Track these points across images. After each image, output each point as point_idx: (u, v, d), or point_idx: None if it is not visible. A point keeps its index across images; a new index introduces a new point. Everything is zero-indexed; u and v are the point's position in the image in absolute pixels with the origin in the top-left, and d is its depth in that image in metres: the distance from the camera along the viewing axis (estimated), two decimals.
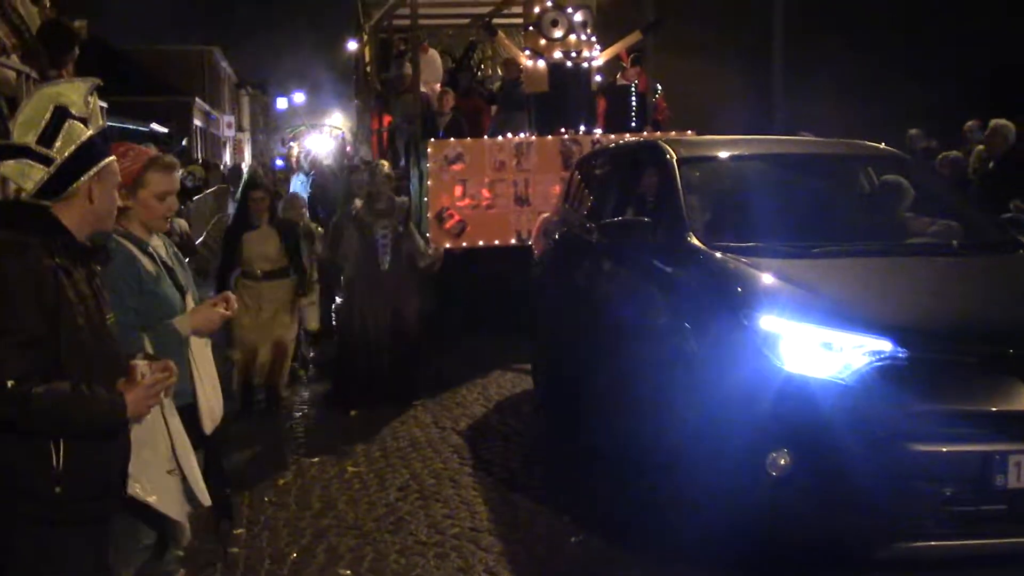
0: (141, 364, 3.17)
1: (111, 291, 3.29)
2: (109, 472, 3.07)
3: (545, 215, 8.93)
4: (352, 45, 36.21)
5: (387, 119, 14.65)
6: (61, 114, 2.94)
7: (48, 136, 2.93)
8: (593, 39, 11.70)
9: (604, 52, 11.93)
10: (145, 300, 3.77)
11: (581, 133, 11.35)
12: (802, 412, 4.39)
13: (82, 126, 2.97)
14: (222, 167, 42.43)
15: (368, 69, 16.02)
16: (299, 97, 58.42)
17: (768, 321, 4.58)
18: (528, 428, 7.73)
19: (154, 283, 3.81)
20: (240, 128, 65.07)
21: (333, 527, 5.74)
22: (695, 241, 5.48)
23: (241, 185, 8.66)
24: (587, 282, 6.82)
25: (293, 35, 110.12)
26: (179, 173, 3.99)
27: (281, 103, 63.71)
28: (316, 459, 7.03)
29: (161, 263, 3.88)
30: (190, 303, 3.97)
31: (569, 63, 11.47)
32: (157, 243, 3.94)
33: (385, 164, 9.03)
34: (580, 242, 7.19)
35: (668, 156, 6.21)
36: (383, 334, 8.32)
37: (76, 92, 2.99)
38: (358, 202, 8.83)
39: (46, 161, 2.92)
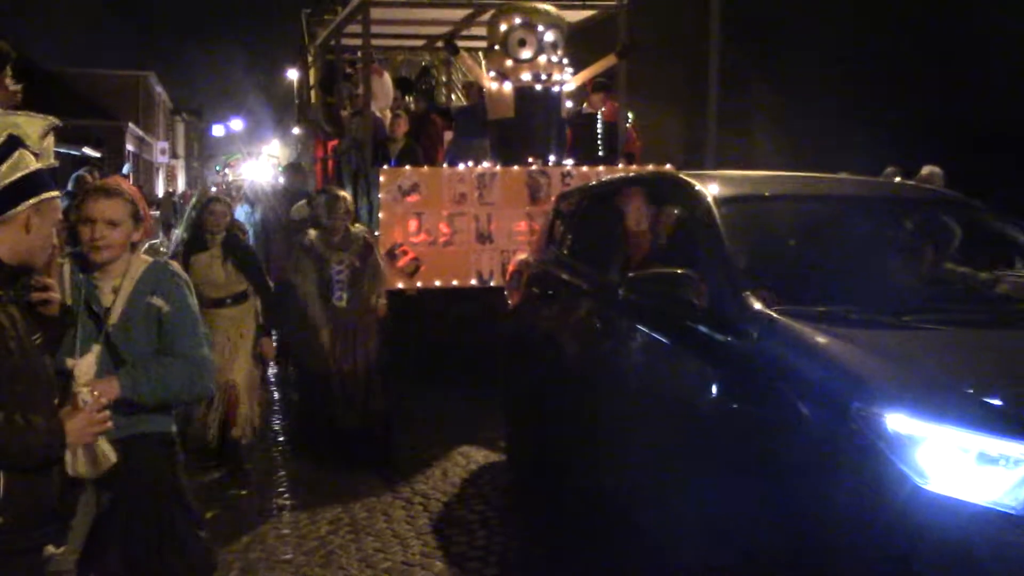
0: (83, 391, 3.03)
1: None
2: (53, 499, 2.89)
3: (521, 256, 7.53)
4: (292, 73, 34.79)
5: (331, 145, 13.20)
6: (14, 142, 2.87)
7: None
8: (564, 61, 10.35)
9: (576, 76, 10.59)
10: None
11: (551, 164, 10.00)
12: (952, 550, 3.07)
13: (32, 158, 2.89)
14: (174, 197, 40.61)
15: (312, 93, 14.54)
16: (236, 124, 56.54)
17: (898, 421, 3.23)
18: (464, 463, 7.25)
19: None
20: (175, 155, 62.89)
21: (262, 561, 5.51)
22: (756, 303, 4.12)
23: (197, 201, 7.90)
24: (596, 346, 5.40)
25: (231, 62, 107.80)
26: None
27: (217, 130, 61.66)
28: (244, 492, 6.72)
29: (87, 308, 3.59)
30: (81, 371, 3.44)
31: (538, 86, 10.11)
32: (106, 287, 3.65)
33: (347, 196, 7.80)
34: (579, 294, 5.80)
35: (702, 193, 4.86)
36: (345, 379, 7.41)
37: (33, 127, 2.93)
38: (312, 232, 7.67)
39: None
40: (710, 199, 4.79)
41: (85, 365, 3.42)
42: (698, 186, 4.94)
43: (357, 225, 7.95)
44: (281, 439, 8.11)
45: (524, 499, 6.45)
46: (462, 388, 8.93)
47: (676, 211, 5.08)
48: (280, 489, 6.83)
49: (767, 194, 5.16)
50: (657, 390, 4.62)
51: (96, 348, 3.49)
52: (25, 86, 7.73)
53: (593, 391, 5.39)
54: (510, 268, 7.63)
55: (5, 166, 2.84)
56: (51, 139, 2.99)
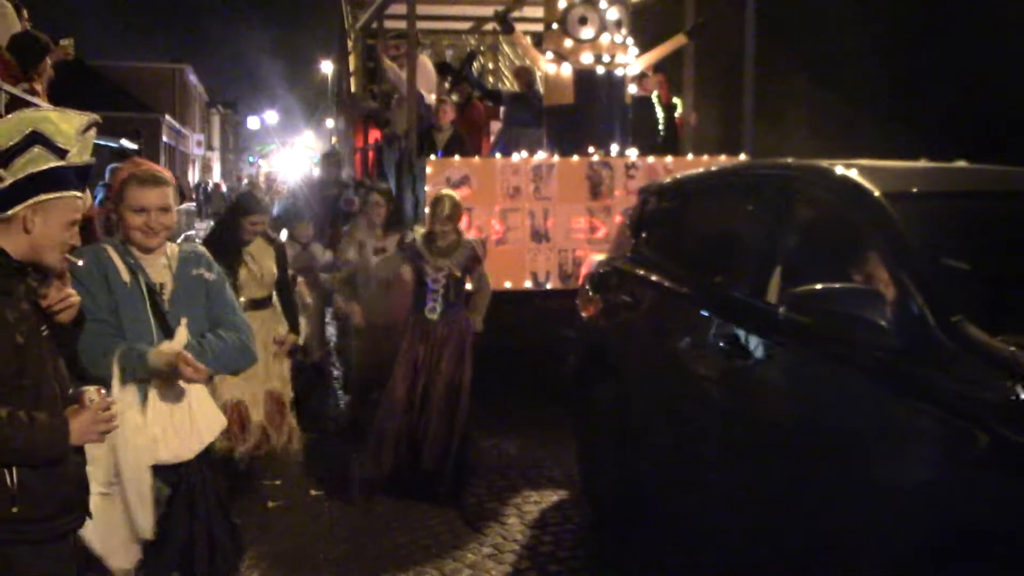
0: (91, 390, 2.86)
1: (84, 291, 3.11)
2: (68, 489, 2.82)
3: (597, 257, 6.35)
4: (326, 65, 33.88)
5: (373, 135, 12.08)
6: (33, 139, 2.76)
7: (8, 157, 2.75)
8: (629, 41, 9.16)
9: (641, 57, 9.39)
10: (111, 304, 3.42)
11: (614, 155, 8.83)
12: None
13: (49, 156, 2.77)
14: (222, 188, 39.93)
15: (352, 80, 13.42)
16: (271, 116, 55.74)
17: None
18: (497, 461, 6.89)
19: (123, 292, 3.43)
20: (210, 147, 62.08)
21: (293, 549, 5.36)
22: (975, 333, 2.95)
23: (231, 206, 7.01)
24: (730, 370, 4.15)
25: (266, 55, 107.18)
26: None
27: (252, 122, 60.94)
28: (278, 481, 6.49)
29: (146, 286, 3.47)
30: (178, 343, 3.43)
31: (600, 69, 8.92)
32: (156, 266, 3.55)
33: (453, 194, 6.58)
34: (695, 308, 4.58)
35: (865, 189, 3.68)
36: (426, 400, 6.33)
37: (68, 123, 2.82)
38: (419, 231, 6.78)
39: None
40: (877, 196, 3.61)
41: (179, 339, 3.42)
42: (859, 182, 3.75)
43: (471, 233, 6.86)
44: (316, 432, 7.60)
45: (562, 512, 5.95)
46: (512, 397, 8.10)
47: (836, 211, 3.88)
48: (314, 480, 6.57)
49: (945, 189, 3.95)
50: (826, 431, 3.44)
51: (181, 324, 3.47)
52: (64, 78, 7.31)
53: (720, 424, 4.18)
54: (583, 271, 6.44)
55: (12, 167, 2.74)
56: (92, 134, 2.87)
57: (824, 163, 4.06)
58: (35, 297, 2.84)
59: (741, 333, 4.01)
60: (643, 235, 5.55)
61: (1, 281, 2.74)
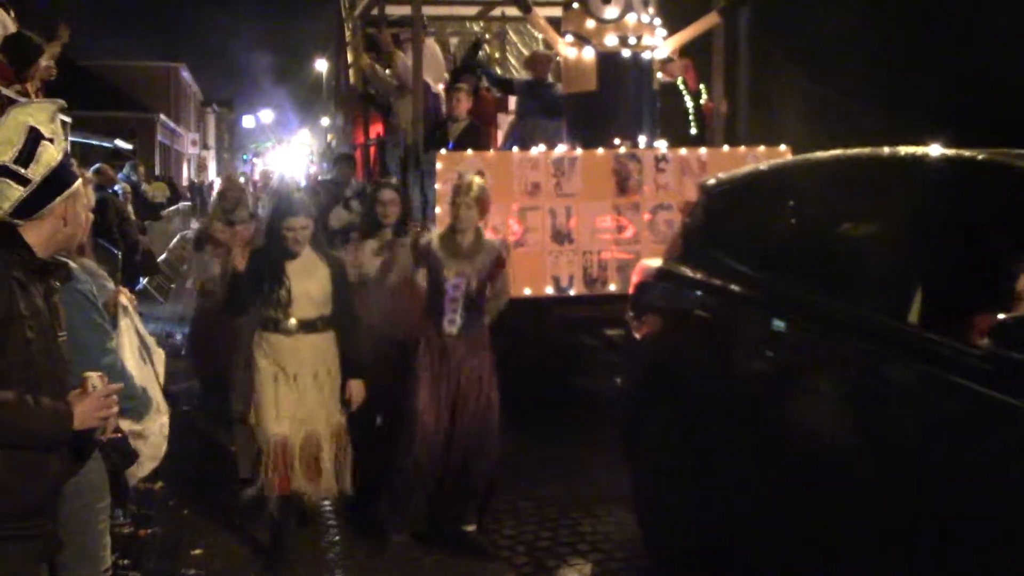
0: (93, 376, 2.85)
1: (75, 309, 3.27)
2: (44, 491, 2.78)
3: (651, 263, 5.33)
4: (321, 63, 32.94)
5: (374, 129, 11.11)
6: (36, 136, 2.77)
7: (24, 157, 2.77)
8: (656, 22, 8.19)
9: (670, 39, 8.41)
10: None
11: (642, 147, 7.85)
12: None
13: (53, 148, 2.80)
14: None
15: (351, 72, 12.44)
16: (266, 115, 54.82)
17: None
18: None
19: None
20: (205, 146, 61.11)
21: (291, 551, 5.19)
22: None
23: (272, 207, 6.07)
24: (856, 417, 3.14)
25: (261, 54, 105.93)
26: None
27: (248, 121, 60.01)
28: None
29: None
30: None
31: (625, 52, 7.94)
32: None
33: (477, 179, 5.47)
34: (791, 327, 3.58)
35: None
36: (446, 430, 5.31)
37: (43, 113, 2.83)
38: (435, 234, 5.56)
39: (23, 181, 2.75)
40: None
41: None
42: None
43: (486, 235, 5.59)
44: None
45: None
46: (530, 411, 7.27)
47: (994, 214, 2.89)
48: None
49: None
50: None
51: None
52: (56, 78, 7.21)
53: (854, 476, 3.18)
54: (635, 278, 5.41)
55: (35, 164, 2.73)
56: (59, 121, 2.84)
57: (993, 153, 3.05)
58: (53, 297, 2.82)
59: (881, 364, 2.99)
60: (713, 238, 4.54)
61: (21, 275, 2.71)
